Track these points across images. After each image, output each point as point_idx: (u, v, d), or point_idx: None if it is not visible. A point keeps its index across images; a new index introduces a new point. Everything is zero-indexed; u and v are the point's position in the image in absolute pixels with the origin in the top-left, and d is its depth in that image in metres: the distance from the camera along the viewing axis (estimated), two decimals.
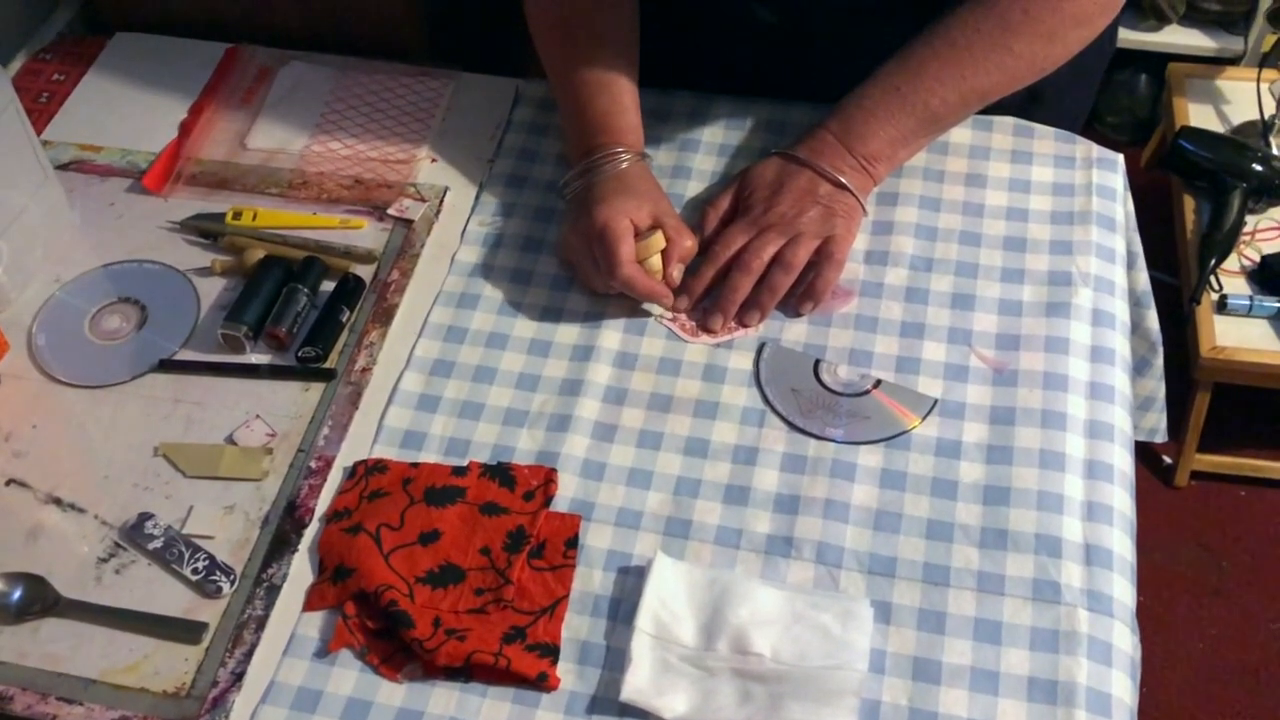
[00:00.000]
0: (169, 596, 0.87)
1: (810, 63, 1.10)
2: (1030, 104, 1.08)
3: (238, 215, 1.08)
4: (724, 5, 1.11)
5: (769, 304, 0.98)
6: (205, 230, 1.08)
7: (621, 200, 0.98)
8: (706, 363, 0.97)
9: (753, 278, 0.97)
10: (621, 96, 1.03)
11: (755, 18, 1.09)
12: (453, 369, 0.98)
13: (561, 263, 1.03)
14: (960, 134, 1.09)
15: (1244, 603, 1.78)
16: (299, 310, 1.00)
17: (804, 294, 0.98)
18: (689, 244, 0.99)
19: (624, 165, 1.00)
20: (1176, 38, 2.19)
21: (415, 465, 0.91)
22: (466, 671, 0.81)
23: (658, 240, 0.97)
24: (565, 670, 0.82)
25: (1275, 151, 1.83)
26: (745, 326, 0.98)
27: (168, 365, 0.99)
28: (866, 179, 1.01)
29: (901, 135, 1.00)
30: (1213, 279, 1.71)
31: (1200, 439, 1.82)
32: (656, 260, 0.98)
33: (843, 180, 0.99)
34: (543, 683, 0.80)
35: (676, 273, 0.99)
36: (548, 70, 1.08)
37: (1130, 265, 1.09)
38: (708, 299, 0.99)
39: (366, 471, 0.91)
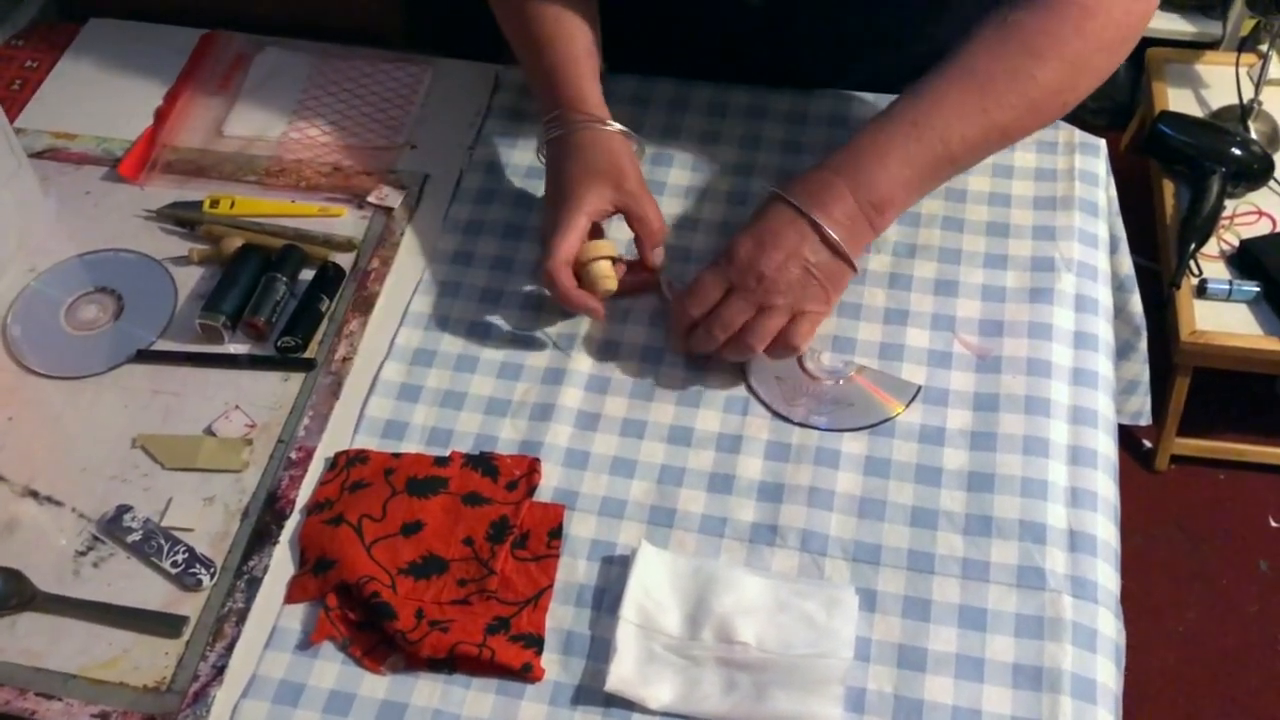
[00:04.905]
0: (148, 590, 0.86)
1: (794, 50, 1.09)
2: None
3: (215, 203, 1.07)
4: None
5: (732, 359, 0.94)
6: (182, 219, 1.07)
7: (584, 188, 0.94)
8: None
9: (716, 345, 0.92)
10: (581, 60, 0.98)
11: (742, 3, 1.08)
12: (434, 358, 0.97)
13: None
14: None
15: (1223, 586, 1.79)
16: (278, 299, 0.99)
17: (769, 352, 0.93)
18: (657, 226, 0.95)
19: (584, 134, 0.95)
20: (1156, 22, 2.19)
21: (397, 456, 0.91)
22: (450, 663, 0.81)
23: (604, 245, 0.94)
24: (550, 661, 0.81)
25: (1254, 136, 1.84)
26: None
27: (145, 355, 0.98)
28: (866, 229, 0.91)
29: (917, 177, 0.91)
30: (1192, 263, 1.72)
31: (1180, 423, 1.83)
32: (604, 265, 0.94)
33: (834, 239, 0.89)
34: (527, 673, 0.80)
35: (656, 257, 0.97)
36: (507, 31, 1.03)
37: (1113, 250, 1.09)
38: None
39: (348, 462, 0.91)
